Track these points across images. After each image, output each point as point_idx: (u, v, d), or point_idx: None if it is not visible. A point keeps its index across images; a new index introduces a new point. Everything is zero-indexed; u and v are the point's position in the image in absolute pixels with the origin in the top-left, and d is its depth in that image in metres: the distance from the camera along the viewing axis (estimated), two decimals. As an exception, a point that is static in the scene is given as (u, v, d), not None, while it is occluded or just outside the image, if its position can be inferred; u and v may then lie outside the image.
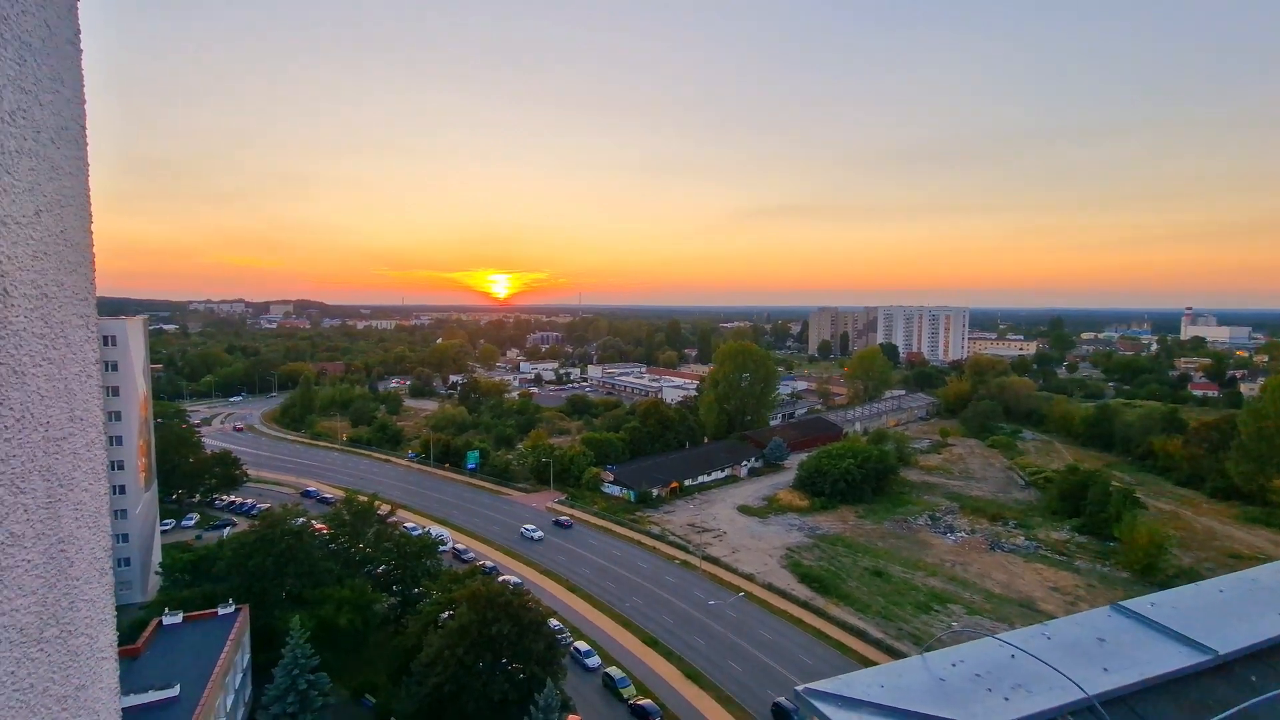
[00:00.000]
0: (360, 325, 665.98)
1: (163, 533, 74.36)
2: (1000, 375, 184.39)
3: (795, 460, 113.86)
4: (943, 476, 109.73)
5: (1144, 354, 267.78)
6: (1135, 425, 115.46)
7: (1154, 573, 64.90)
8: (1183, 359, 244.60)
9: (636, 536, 79.33)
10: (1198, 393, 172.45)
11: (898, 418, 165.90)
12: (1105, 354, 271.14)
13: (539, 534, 76.09)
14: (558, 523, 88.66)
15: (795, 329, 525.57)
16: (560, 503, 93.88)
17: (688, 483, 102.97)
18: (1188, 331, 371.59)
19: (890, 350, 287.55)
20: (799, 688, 2.57)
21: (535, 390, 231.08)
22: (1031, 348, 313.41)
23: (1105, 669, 2.70)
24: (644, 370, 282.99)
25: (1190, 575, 63.38)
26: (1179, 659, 2.75)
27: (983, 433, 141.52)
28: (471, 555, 71.87)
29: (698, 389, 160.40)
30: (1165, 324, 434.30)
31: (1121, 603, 3.12)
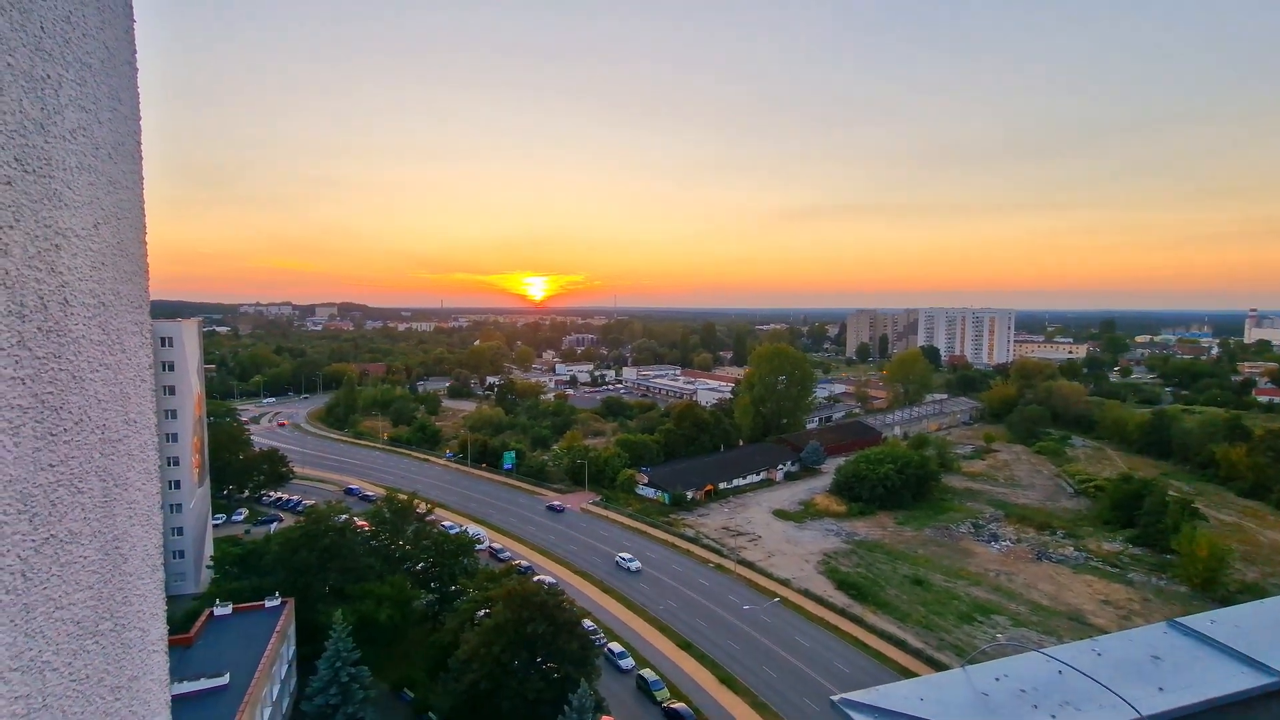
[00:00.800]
0: (401, 328, 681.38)
1: (214, 527, 76.46)
2: (1048, 379, 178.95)
3: (832, 464, 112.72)
4: (987, 483, 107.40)
5: (1204, 358, 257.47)
6: (1195, 432, 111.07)
7: (1215, 588, 62.53)
8: (1246, 363, 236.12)
9: (671, 539, 79.26)
10: (1263, 399, 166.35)
11: (939, 422, 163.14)
12: (1162, 357, 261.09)
13: (635, 564, 68.90)
14: (551, 508, 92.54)
15: (833, 331, 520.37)
16: (595, 503, 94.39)
17: (723, 486, 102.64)
18: (1252, 334, 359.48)
19: (931, 353, 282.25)
20: (835, 698, 2.48)
21: (570, 392, 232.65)
22: (1081, 351, 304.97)
23: (1160, 689, 2.53)
24: (679, 373, 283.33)
25: (1254, 591, 60.92)
26: (1240, 680, 2.56)
27: (1029, 438, 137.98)
28: (508, 554, 72.65)
29: (733, 391, 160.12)
30: (1227, 326, 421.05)
31: (1179, 619, 2.93)
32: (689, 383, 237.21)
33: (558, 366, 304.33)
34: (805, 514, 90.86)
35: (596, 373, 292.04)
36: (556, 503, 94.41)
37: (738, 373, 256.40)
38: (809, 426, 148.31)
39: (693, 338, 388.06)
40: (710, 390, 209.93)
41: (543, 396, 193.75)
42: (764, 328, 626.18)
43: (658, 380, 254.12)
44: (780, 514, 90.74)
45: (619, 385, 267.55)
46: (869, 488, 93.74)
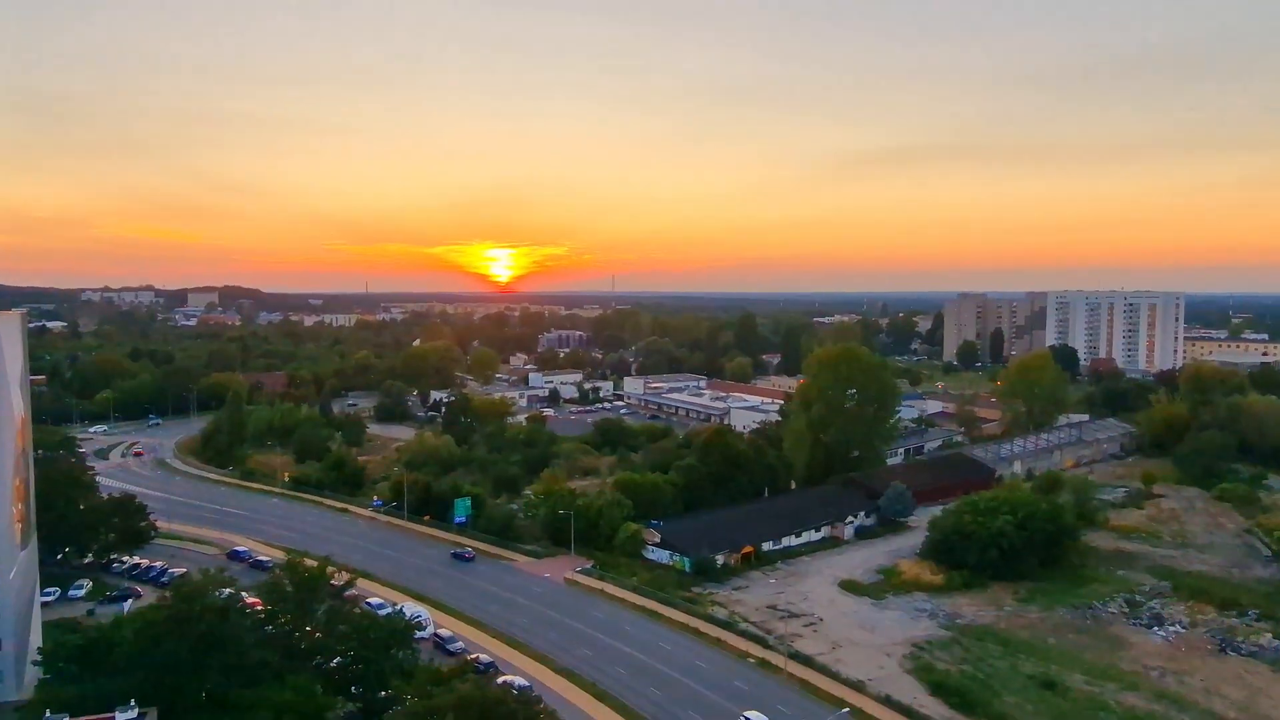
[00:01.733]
0: (309, 321, 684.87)
1: (44, 606, 76.70)
2: (1233, 393, 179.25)
3: (924, 516, 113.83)
4: (1146, 543, 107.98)
5: None
6: None
7: None
8: None
9: (693, 623, 79.84)
10: None
11: (1077, 455, 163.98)
12: None
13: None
14: (458, 555, 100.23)
15: (923, 325, 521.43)
16: (585, 571, 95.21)
17: (767, 547, 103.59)
18: None
19: (1066, 356, 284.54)
20: None
21: (550, 412, 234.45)
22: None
23: None
24: (704, 385, 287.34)
25: None
26: None
27: (1207, 479, 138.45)
28: (460, 645, 73.20)
29: (781, 412, 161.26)
30: None
31: None
32: (718, 399, 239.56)
33: (533, 376, 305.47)
34: (885, 587, 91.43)
35: (587, 385, 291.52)
36: (529, 571, 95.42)
37: (788, 385, 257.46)
38: (890, 461, 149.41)
39: (724, 335, 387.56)
40: (749, 410, 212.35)
41: (511, 419, 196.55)
42: (825, 320, 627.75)
43: (674, 395, 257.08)
44: (850, 587, 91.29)
45: (619, 403, 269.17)
46: (977, 550, 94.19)
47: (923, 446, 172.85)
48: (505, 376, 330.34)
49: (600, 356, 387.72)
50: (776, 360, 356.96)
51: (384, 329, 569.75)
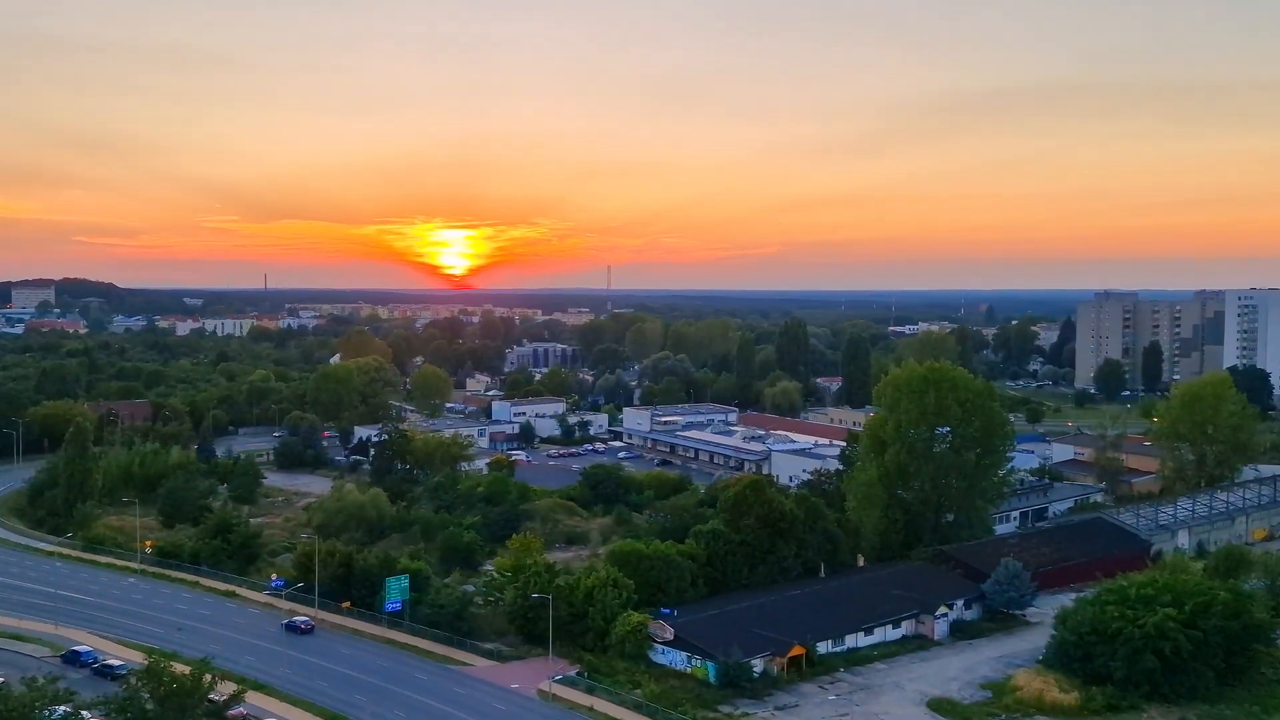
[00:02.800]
0: (183, 328, 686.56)
1: None
2: None
3: (1048, 607, 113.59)
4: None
5: None
6: None
7: None
8: None
9: (721, 758, 79.40)
10: None
11: (1270, 523, 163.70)
12: None
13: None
14: (291, 626, 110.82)
15: (1046, 336, 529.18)
16: (568, 680, 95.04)
17: (824, 648, 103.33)
18: None
19: (1253, 381, 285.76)
20: None
21: (521, 456, 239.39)
22: None
23: None
24: (735, 418, 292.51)
25: None
26: None
27: None
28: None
29: (844, 458, 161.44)
30: None
31: None
32: (755, 439, 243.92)
33: (497, 406, 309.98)
34: (995, 708, 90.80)
35: (573, 418, 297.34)
36: (490, 679, 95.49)
37: (853, 420, 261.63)
38: (999, 530, 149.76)
39: (762, 350, 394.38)
40: (797, 455, 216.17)
41: (466, 466, 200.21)
42: (905, 330, 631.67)
43: (693, 434, 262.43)
44: (943, 708, 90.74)
45: (616, 443, 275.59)
46: (1127, 656, 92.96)
47: (1046, 509, 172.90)
48: (459, 406, 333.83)
49: (591, 378, 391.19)
50: (836, 385, 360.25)
51: (289, 340, 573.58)
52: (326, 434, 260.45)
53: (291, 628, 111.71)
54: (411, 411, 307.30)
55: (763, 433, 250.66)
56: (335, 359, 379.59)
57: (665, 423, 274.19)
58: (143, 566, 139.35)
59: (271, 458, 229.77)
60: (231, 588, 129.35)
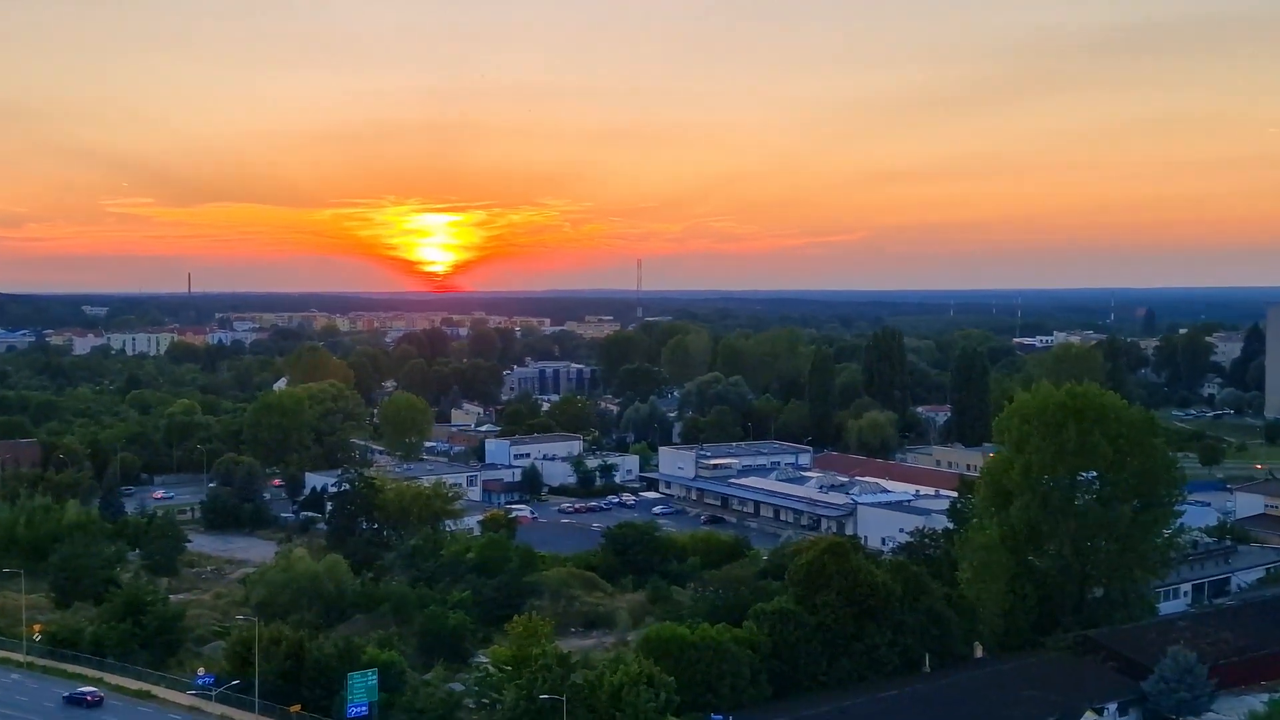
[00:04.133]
0: (82, 345, 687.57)
1: None
2: None
3: (1231, 711, 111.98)
4: None
5: None
6: None
7: None
8: None
9: None
10: None
11: None
12: None
13: None
14: (75, 699, 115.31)
15: (1224, 347, 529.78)
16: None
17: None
18: None
19: None
20: None
21: (526, 511, 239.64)
22: None
23: None
24: (806, 460, 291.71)
25: None
26: None
27: None
28: None
29: (955, 513, 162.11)
30: None
31: None
32: (835, 488, 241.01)
33: (493, 445, 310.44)
34: None
35: (592, 460, 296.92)
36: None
37: (967, 461, 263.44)
38: (1164, 609, 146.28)
39: (844, 369, 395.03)
40: (890, 508, 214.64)
41: (453, 525, 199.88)
42: (1033, 342, 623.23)
43: (752, 481, 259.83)
44: None
45: (650, 494, 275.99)
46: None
47: (1228, 580, 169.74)
48: (443, 445, 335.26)
49: (616, 408, 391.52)
50: (943, 416, 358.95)
51: (220, 359, 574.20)
52: (274, 482, 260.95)
53: (73, 700, 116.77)
54: (380, 453, 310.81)
55: (845, 480, 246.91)
56: (280, 384, 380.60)
57: (715, 467, 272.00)
58: (29, 659, 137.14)
59: (198, 514, 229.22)
60: (146, 686, 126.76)
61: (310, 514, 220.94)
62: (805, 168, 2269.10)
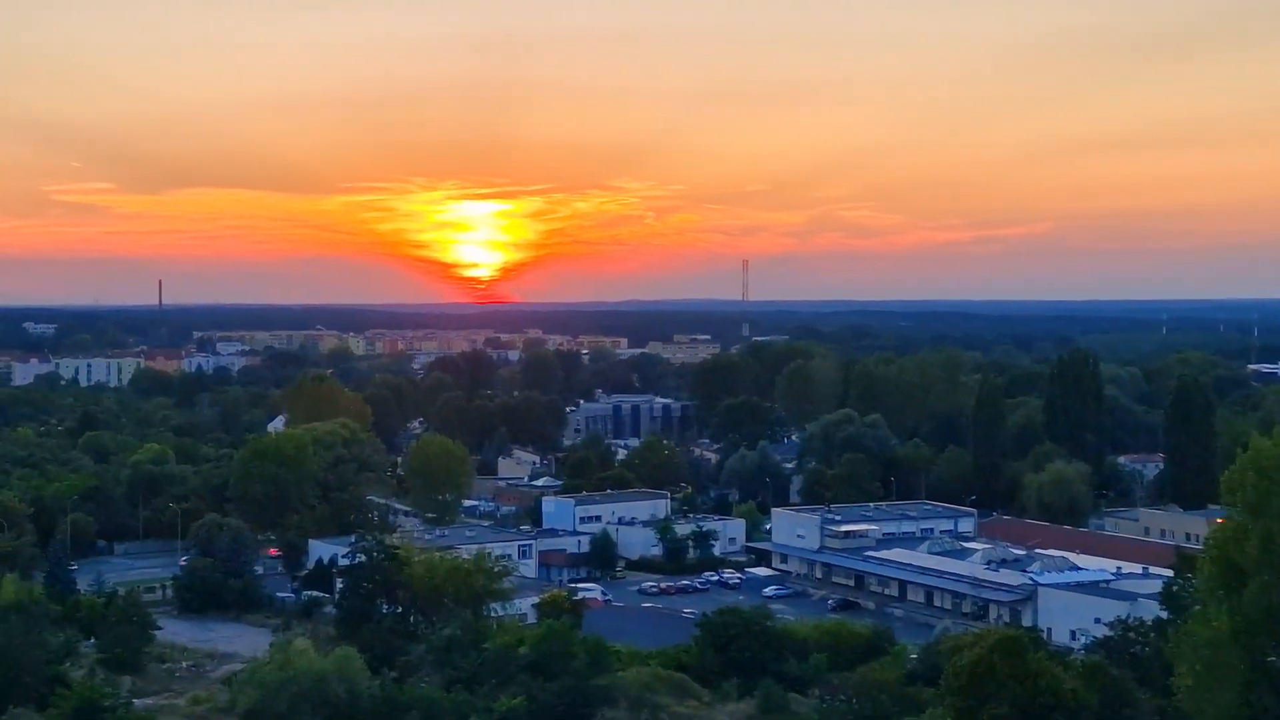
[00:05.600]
0: (25, 372, 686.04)
1: None
2: None
3: None
4: None
5: None
6: None
7: None
8: None
9: None
10: None
11: None
12: None
13: None
14: None
15: None
16: None
17: None
18: None
19: None
20: None
21: (596, 592, 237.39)
22: None
23: None
24: (968, 526, 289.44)
25: None
26: None
27: None
28: None
29: (1169, 597, 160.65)
30: None
31: None
32: (1005, 561, 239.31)
33: (553, 505, 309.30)
34: None
35: (683, 525, 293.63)
36: None
37: (1187, 527, 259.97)
38: None
39: (1019, 405, 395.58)
40: (1082, 590, 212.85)
41: (499, 609, 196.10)
42: (1276, 369, 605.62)
43: (896, 555, 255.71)
44: None
45: (759, 570, 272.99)
46: None
47: None
48: (488, 504, 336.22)
49: (715, 456, 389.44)
50: (1153, 468, 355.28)
51: (199, 391, 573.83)
52: (269, 552, 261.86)
53: None
54: (406, 514, 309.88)
55: (1022, 552, 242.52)
56: (277, 424, 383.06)
57: (847, 535, 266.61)
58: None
59: (170, 593, 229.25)
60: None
61: (315, 593, 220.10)
62: (968, 137, 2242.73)
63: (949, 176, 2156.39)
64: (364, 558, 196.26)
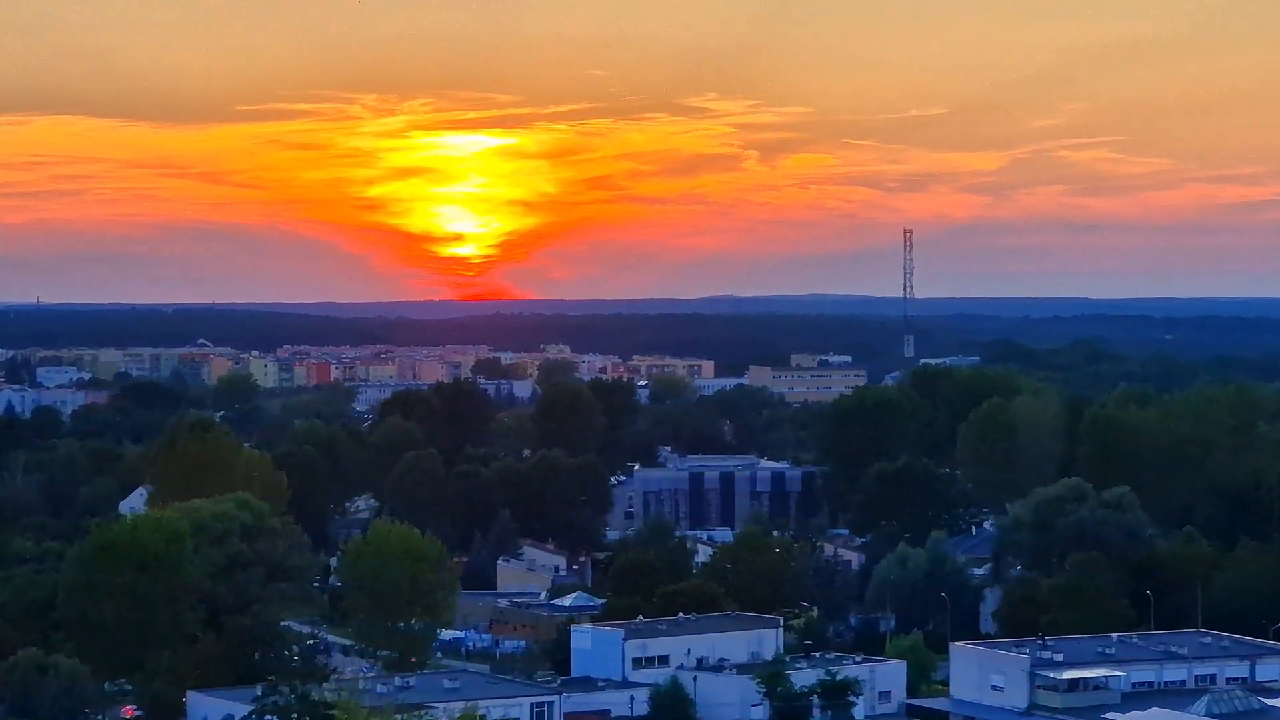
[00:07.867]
0: None
1: None
2: None
3: None
4: None
5: None
6: None
7: None
8: None
9: None
10: None
11: None
12: None
13: None
14: None
15: None
16: None
17: None
18: None
19: None
20: None
21: None
22: None
23: None
24: (1273, 673, 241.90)
25: None
26: None
27: None
28: None
29: None
30: None
31: None
32: None
33: (585, 635, 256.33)
34: None
35: (804, 669, 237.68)
36: None
37: None
38: None
39: None
40: None
41: None
42: None
43: (1146, 717, 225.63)
44: None
45: (929, 699, 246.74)
46: None
47: None
48: (480, 637, 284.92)
49: (856, 556, 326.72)
50: None
51: (10, 446, 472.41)
52: (125, 712, 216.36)
53: None
54: (346, 651, 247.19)
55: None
56: (135, 503, 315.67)
57: (1074, 686, 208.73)
58: None
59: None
60: None
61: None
62: (1276, 33, 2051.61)
63: (1242, 99, 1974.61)
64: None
